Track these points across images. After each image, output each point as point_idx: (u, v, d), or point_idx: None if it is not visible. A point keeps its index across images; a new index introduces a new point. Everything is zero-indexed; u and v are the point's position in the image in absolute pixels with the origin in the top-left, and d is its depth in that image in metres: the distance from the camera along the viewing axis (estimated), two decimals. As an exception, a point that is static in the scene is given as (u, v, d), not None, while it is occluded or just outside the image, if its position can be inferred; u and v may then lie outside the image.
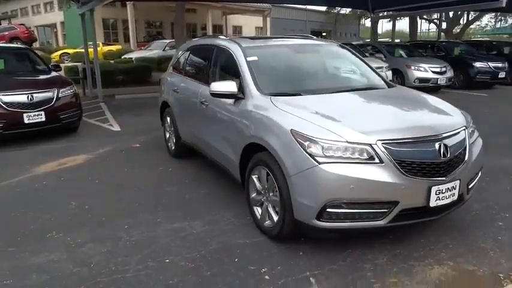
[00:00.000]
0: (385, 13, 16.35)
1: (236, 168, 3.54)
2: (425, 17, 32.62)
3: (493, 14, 30.66)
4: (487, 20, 36.73)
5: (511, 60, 13.32)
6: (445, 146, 2.75)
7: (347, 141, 2.62)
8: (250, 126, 3.25)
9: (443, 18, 31.90)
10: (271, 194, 3.09)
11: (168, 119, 5.47)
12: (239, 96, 3.49)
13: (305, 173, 2.65)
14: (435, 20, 34.09)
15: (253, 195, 3.35)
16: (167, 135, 5.63)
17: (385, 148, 2.61)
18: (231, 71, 3.87)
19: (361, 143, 2.62)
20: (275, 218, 3.05)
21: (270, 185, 3.08)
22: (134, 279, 2.70)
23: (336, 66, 4.20)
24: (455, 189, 2.79)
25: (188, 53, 5.09)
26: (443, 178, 2.72)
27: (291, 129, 2.79)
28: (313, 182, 2.63)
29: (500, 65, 12.87)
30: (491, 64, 12.73)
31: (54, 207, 3.90)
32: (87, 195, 4.19)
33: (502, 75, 12.80)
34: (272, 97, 3.26)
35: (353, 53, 4.36)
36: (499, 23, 35.37)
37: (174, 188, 4.36)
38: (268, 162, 3.01)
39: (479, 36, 40.97)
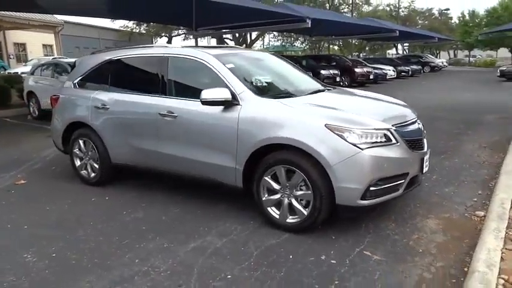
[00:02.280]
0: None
1: (238, 174, 3.51)
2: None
3: (275, 33, 36.39)
4: (268, 39, 43.31)
5: (340, 68, 18.30)
6: (422, 125, 3.57)
7: (374, 128, 3.11)
8: (261, 129, 3.31)
9: (230, 37, 35.88)
10: (294, 190, 3.26)
11: (81, 142, 4.69)
12: (234, 102, 3.49)
13: (349, 160, 2.99)
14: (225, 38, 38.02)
15: (266, 196, 3.42)
16: (78, 162, 4.81)
17: (397, 131, 3.21)
18: (203, 79, 3.80)
19: (383, 129, 3.14)
20: (304, 211, 3.23)
21: (294, 181, 3.24)
22: (220, 302, 2.45)
23: (289, 72, 4.60)
24: (429, 158, 3.64)
25: (111, 66, 4.51)
26: (426, 150, 3.53)
27: (325, 124, 3.07)
28: (359, 166, 3.00)
29: (336, 71, 17.59)
30: (331, 71, 17.23)
31: (8, 266, 2.94)
32: (36, 244, 3.28)
33: (338, 79, 17.47)
34: (280, 99, 3.43)
35: (287, 61, 4.86)
36: (279, 41, 42.27)
37: (139, 215, 3.87)
38: (293, 159, 3.19)
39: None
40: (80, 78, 4.81)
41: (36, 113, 10.20)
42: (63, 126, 4.83)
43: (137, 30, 45.55)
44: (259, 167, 3.39)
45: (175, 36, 45.52)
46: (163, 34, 46.42)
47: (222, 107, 3.55)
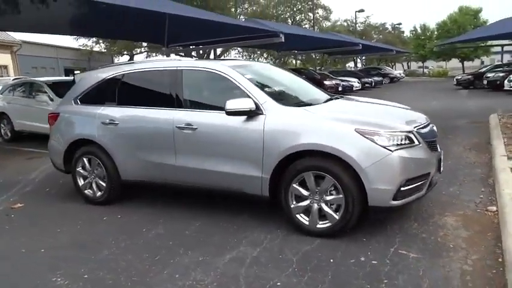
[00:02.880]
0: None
1: (265, 183, 3.52)
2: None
3: (239, 49, 36.74)
4: (232, 54, 43.60)
5: (309, 81, 18.59)
6: (435, 127, 3.76)
7: (400, 131, 3.25)
8: (289, 137, 3.36)
9: (194, 53, 35.81)
10: (324, 195, 3.33)
11: (86, 160, 4.54)
12: (258, 112, 3.52)
13: (381, 162, 3.10)
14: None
15: (294, 203, 3.46)
16: (82, 182, 4.63)
17: (418, 133, 3.37)
18: (222, 91, 3.84)
19: (407, 131, 3.29)
20: (335, 215, 3.30)
21: (323, 187, 3.31)
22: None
23: (296, 82, 4.69)
24: (443, 158, 3.83)
25: (118, 80, 4.40)
26: (440, 151, 3.71)
27: (355, 129, 3.18)
28: (390, 167, 3.12)
29: None
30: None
31: (38, 292, 2.78)
32: (63, 267, 3.13)
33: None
34: (303, 107, 3.52)
35: (291, 72, 4.98)
36: (243, 57, 42.68)
37: (160, 230, 3.78)
38: (322, 164, 3.26)
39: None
40: (82, 94, 4.66)
41: (9, 134, 9.71)
42: (65, 144, 4.64)
43: (98, 49, 44.60)
44: (286, 174, 3.43)
45: (137, 54, 44.96)
46: (125, 52, 45.75)
47: (244, 117, 3.58)
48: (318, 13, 35.64)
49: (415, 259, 2.97)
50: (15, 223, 4.21)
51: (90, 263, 3.17)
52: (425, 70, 52.18)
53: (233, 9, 28.26)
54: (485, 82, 20.19)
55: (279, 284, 2.73)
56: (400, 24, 62.62)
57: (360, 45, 22.49)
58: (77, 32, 16.88)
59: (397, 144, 3.19)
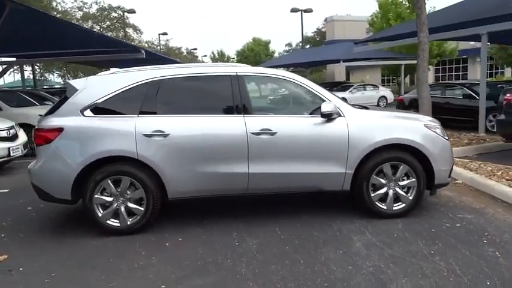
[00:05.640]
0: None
1: (348, 178, 3.92)
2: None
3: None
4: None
5: None
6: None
7: (440, 125, 4.25)
8: (374, 134, 3.89)
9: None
10: (398, 181, 4.01)
11: (111, 182, 3.76)
12: (340, 114, 3.91)
13: (443, 149, 4.04)
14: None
15: (373, 193, 3.99)
16: (101, 212, 3.80)
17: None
18: (295, 96, 4.06)
19: (440, 126, 4.32)
20: (410, 196, 4.02)
21: (399, 174, 3.99)
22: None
23: None
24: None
25: (157, 86, 3.82)
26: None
27: (424, 124, 4.01)
28: (448, 152, 4.11)
29: None
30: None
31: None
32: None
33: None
34: (369, 110, 4.14)
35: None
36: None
37: (255, 241, 3.63)
38: (400, 155, 3.95)
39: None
40: (95, 103, 3.79)
41: None
42: (78, 166, 3.68)
43: None
44: (367, 167, 3.93)
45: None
46: None
47: (322, 120, 3.89)
48: (129, 32, 34.79)
49: (474, 218, 4.00)
50: (55, 273, 3.14)
51: (255, 280, 2.88)
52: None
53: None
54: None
55: (432, 252, 3.26)
56: (195, 49, 67.24)
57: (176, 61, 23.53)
58: None
59: (444, 135, 4.19)
